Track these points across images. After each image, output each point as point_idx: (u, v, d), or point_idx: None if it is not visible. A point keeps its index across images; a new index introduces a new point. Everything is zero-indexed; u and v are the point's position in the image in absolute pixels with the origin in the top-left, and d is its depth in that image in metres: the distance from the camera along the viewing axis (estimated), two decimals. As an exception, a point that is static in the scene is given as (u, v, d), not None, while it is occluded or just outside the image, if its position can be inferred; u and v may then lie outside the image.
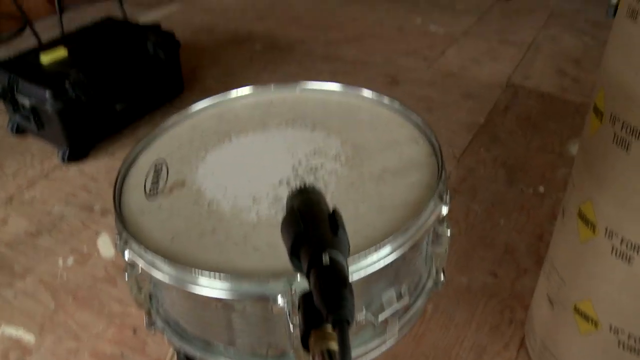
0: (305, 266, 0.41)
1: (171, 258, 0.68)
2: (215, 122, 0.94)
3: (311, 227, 0.44)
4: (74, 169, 2.20)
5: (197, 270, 0.65)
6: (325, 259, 0.39)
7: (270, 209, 0.75)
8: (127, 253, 0.71)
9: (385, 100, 0.95)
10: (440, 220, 0.76)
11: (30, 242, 1.93)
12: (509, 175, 2.06)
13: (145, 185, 0.80)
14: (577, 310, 1.23)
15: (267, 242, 0.71)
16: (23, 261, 1.85)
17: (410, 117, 0.90)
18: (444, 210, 0.75)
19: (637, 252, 1.03)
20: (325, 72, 2.79)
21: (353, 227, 0.72)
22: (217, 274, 0.65)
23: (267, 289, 0.65)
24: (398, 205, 0.75)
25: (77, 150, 2.19)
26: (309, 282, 0.40)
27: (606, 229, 1.08)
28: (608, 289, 1.14)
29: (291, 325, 0.65)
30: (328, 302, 0.36)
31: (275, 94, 1.01)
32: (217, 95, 0.99)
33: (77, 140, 2.17)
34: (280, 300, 0.64)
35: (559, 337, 1.32)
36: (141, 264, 0.71)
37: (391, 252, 0.69)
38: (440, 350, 1.53)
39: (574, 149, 2.16)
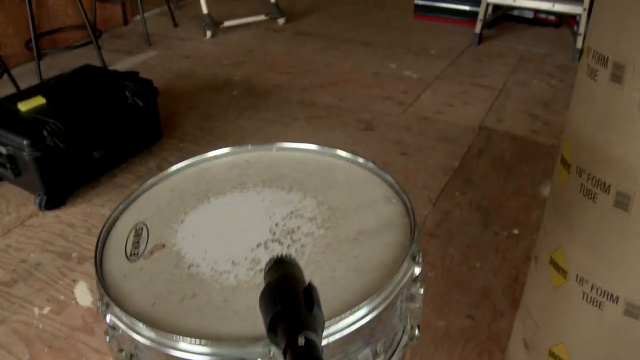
0: (282, 344, 0.43)
1: (152, 323, 0.69)
2: (193, 183, 0.96)
3: (287, 306, 0.46)
4: (50, 216, 2.19)
5: (177, 336, 0.66)
6: (301, 340, 0.42)
7: (248, 272, 0.77)
8: (108, 317, 0.72)
9: (360, 160, 0.98)
10: (414, 279, 0.78)
11: (4, 292, 1.91)
12: (484, 217, 2.10)
13: (126, 248, 0.82)
14: (551, 354, 1.25)
15: (247, 305, 0.72)
16: (-3, 311, 1.83)
17: (384, 177, 0.93)
18: (417, 270, 0.77)
19: (607, 298, 1.06)
20: (301, 118, 2.84)
21: (330, 290, 0.74)
22: (197, 340, 0.66)
23: (247, 353, 0.66)
24: (373, 266, 0.77)
25: (54, 197, 2.19)
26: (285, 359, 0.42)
27: (577, 276, 1.12)
28: (580, 334, 1.17)
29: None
30: None
31: (252, 153, 1.04)
32: (194, 158, 1.01)
33: (54, 187, 2.16)
34: (259, 363, 0.66)
35: (535, 381, 1.35)
36: (122, 327, 0.72)
37: (367, 314, 0.71)
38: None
39: (546, 190, 2.21)
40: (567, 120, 1.10)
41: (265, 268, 0.58)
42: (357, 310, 0.70)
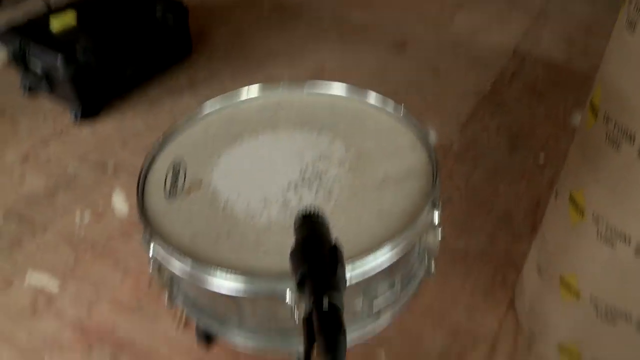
0: (308, 304, 0.50)
1: (190, 255, 0.76)
2: (226, 125, 1.00)
3: (313, 268, 0.52)
4: (86, 128, 2.26)
5: (213, 268, 0.74)
6: (325, 304, 0.48)
7: (279, 214, 0.83)
8: (151, 249, 0.80)
9: (390, 106, 1.00)
10: (434, 225, 0.83)
11: (47, 199, 2.02)
12: (512, 143, 2.11)
13: (165, 185, 0.88)
14: (562, 281, 1.32)
15: (278, 245, 0.79)
16: (42, 217, 1.95)
17: (411, 125, 0.96)
18: (436, 216, 0.82)
19: (620, 238, 1.11)
20: (333, 36, 2.80)
21: (355, 233, 0.80)
22: (231, 271, 0.73)
23: (278, 287, 0.73)
24: (396, 212, 0.82)
25: (89, 109, 2.25)
26: (313, 318, 0.49)
27: (593, 214, 1.16)
28: (592, 268, 1.23)
29: (296, 314, 0.74)
30: (326, 347, 0.45)
31: (283, 96, 1.07)
32: (227, 98, 1.04)
33: (89, 101, 2.23)
34: (287, 296, 0.73)
35: (545, 302, 1.43)
36: (163, 259, 0.79)
37: (387, 258, 0.77)
38: (435, 311, 1.64)
39: (576, 120, 2.20)
40: (600, 68, 1.10)
41: (295, 223, 0.63)
42: (379, 254, 0.76)
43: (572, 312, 1.32)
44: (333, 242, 0.59)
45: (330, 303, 0.48)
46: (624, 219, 1.10)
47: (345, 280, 0.54)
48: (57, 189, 2.07)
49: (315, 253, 0.55)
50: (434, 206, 0.82)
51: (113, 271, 1.77)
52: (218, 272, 0.74)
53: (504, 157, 2.06)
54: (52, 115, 2.33)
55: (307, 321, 0.50)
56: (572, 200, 1.22)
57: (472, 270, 1.75)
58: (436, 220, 0.84)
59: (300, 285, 0.53)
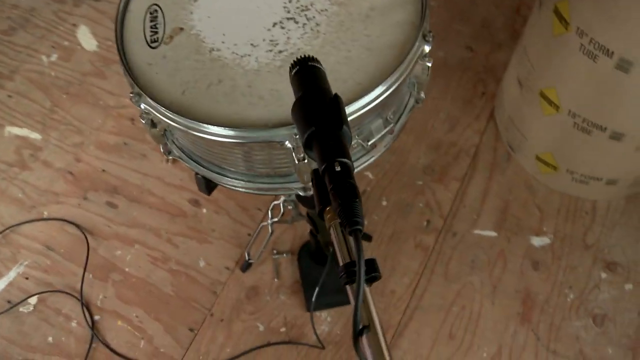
0: (319, 165, 0.50)
1: (185, 112, 0.76)
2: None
3: (320, 127, 0.52)
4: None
5: (209, 125, 0.73)
6: (337, 166, 0.49)
7: (268, 55, 0.80)
8: (142, 105, 0.78)
9: None
10: (424, 55, 0.82)
11: (6, 41, 1.93)
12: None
13: (145, 34, 0.83)
14: (542, 95, 1.35)
15: (270, 89, 0.78)
16: (6, 61, 1.87)
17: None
18: (427, 48, 0.81)
19: (602, 52, 1.11)
20: None
21: (346, 70, 0.79)
22: (228, 123, 0.73)
23: (275, 135, 0.74)
24: (385, 46, 0.80)
25: None
26: (325, 180, 0.50)
27: (578, 28, 1.15)
28: (572, 81, 1.25)
29: (295, 159, 0.76)
30: (344, 216, 0.46)
31: None
32: None
33: None
34: (287, 143, 0.74)
35: (525, 115, 1.47)
36: (156, 114, 0.78)
37: (381, 94, 0.77)
38: (417, 122, 1.69)
39: None
40: None
41: (290, 70, 0.62)
42: (372, 92, 0.75)
43: (551, 124, 1.37)
44: (332, 91, 0.58)
45: (341, 163, 0.49)
46: (607, 33, 1.09)
47: (351, 134, 0.54)
48: (14, 29, 1.96)
49: (319, 110, 0.54)
50: (424, 39, 0.80)
51: (93, 112, 1.76)
52: (214, 126, 0.73)
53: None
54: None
55: (318, 183, 0.51)
56: (556, 11, 1.19)
57: (451, 81, 1.77)
58: (427, 49, 0.82)
59: (308, 147, 0.53)
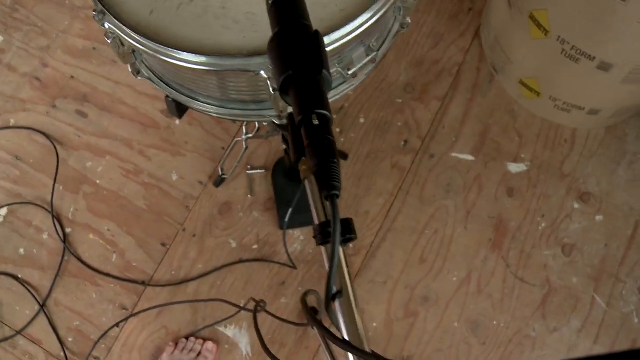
0: (296, 117, 0.46)
1: (152, 35, 0.70)
2: None
3: (298, 71, 0.47)
4: None
5: (179, 51, 0.68)
6: (315, 121, 0.45)
7: (244, -28, 0.73)
8: (106, 24, 0.72)
9: None
10: (414, -21, 0.76)
11: None
12: None
13: (108, -59, 0.75)
14: (532, 17, 1.29)
15: (246, 13, 0.72)
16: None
17: None
18: (418, -27, 0.74)
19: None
20: None
21: (328, -4, 0.73)
22: (199, 51, 0.68)
23: (251, 64, 0.69)
24: (373, -31, 0.74)
25: None
26: (300, 132, 0.46)
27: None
28: (566, 5, 1.19)
29: (271, 89, 0.72)
30: (321, 179, 0.43)
31: None
32: None
33: None
34: (263, 73, 0.69)
35: (511, 36, 1.42)
36: (122, 35, 0.72)
37: (364, 22, 0.71)
38: (400, 37, 1.62)
39: None
40: None
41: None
42: (356, 21, 0.70)
43: (538, 49, 1.32)
44: (313, 27, 0.53)
45: (320, 116, 0.45)
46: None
47: (331, 80, 0.50)
48: None
49: (297, 52, 0.49)
50: (415, -39, 0.74)
51: (59, 13, 1.65)
52: (184, 52, 0.68)
53: None
54: None
55: (294, 131, 0.47)
56: None
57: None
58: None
59: (284, 92, 0.49)
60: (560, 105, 1.42)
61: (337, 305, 0.44)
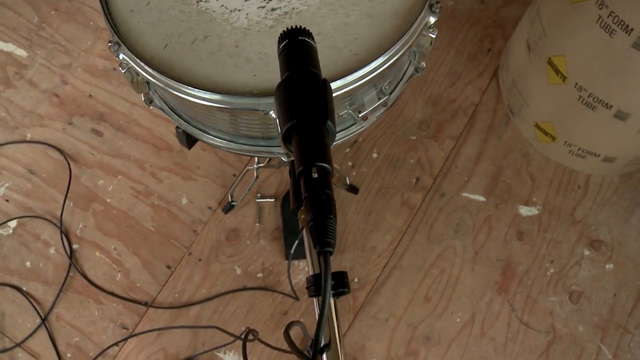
0: (297, 168, 0.46)
1: (166, 69, 0.71)
2: None
3: (302, 120, 0.47)
4: None
5: (191, 87, 0.68)
6: (314, 174, 0.45)
7: (259, 12, 0.74)
8: (121, 55, 0.73)
9: None
10: (429, 27, 0.76)
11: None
12: None
13: (128, -26, 0.77)
14: (550, 63, 1.29)
15: (259, 53, 0.72)
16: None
17: None
18: (432, 20, 0.75)
19: (621, 27, 1.05)
20: None
21: (342, 38, 0.74)
22: (211, 88, 0.69)
23: (260, 104, 0.69)
24: (388, 14, 0.74)
25: None
26: (300, 183, 0.46)
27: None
28: (584, 53, 1.19)
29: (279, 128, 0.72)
30: (315, 234, 0.43)
31: None
32: None
33: None
34: (272, 113, 0.70)
35: (529, 80, 1.41)
36: (136, 68, 0.73)
37: (377, 67, 0.72)
38: (416, 78, 1.63)
39: None
40: None
41: (278, 42, 0.57)
42: (369, 64, 0.70)
43: (556, 94, 1.32)
44: (321, 75, 0.53)
45: (320, 169, 0.45)
46: (630, 9, 1.03)
47: (335, 130, 0.50)
48: None
49: (302, 101, 0.49)
50: (431, 9, 0.74)
51: (82, 33, 1.68)
52: (195, 88, 0.68)
53: None
54: None
55: (294, 181, 0.47)
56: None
57: (458, 33, 1.69)
58: (432, 21, 0.77)
59: (287, 139, 0.49)
60: (575, 151, 1.41)
61: (324, 359, 0.44)
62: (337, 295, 0.46)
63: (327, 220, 0.43)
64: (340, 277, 0.46)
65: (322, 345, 0.43)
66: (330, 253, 0.42)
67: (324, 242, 0.42)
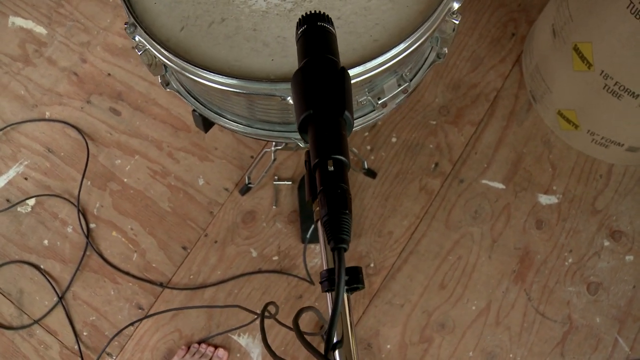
0: (312, 155, 0.45)
1: (182, 52, 0.69)
2: None
3: (318, 111, 0.46)
4: None
5: (208, 68, 0.67)
6: (330, 167, 0.44)
7: (279, -5, 0.73)
8: (137, 37, 0.72)
9: None
10: (452, 12, 0.74)
11: None
12: None
13: (146, -46, 0.75)
14: (576, 49, 1.26)
15: (277, 36, 0.71)
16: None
17: None
18: (456, 5, 0.73)
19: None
20: None
21: (362, 24, 0.72)
22: (228, 73, 0.67)
23: (277, 90, 0.68)
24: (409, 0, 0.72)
25: None
26: (315, 175, 0.45)
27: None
28: (612, 40, 1.15)
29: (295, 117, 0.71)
30: (330, 230, 0.42)
31: None
32: None
33: None
34: (289, 99, 0.69)
35: (553, 66, 1.38)
36: (152, 50, 0.72)
37: (398, 54, 0.70)
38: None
39: None
40: None
41: (297, 28, 0.55)
42: (389, 50, 0.69)
43: (580, 81, 1.28)
44: (340, 63, 0.52)
45: (336, 161, 0.44)
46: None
47: (352, 121, 0.49)
48: None
49: (320, 91, 0.48)
50: (455, -6, 0.72)
51: (102, 10, 1.67)
52: (211, 72, 0.67)
53: None
54: None
55: (310, 172, 0.46)
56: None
57: (481, 17, 1.65)
58: (456, 6, 0.74)
59: (302, 129, 0.48)
60: (598, 140, 1.38)
61: (337, 355, 0.43)
62: (350, 291, 0.45)
63: (342, 215, 0.42)
64: (354, 272, 0.44)
65: (334, 341, 0.43)
66: (345, 249, 0.41)
67: (338, 238, 0.41)
